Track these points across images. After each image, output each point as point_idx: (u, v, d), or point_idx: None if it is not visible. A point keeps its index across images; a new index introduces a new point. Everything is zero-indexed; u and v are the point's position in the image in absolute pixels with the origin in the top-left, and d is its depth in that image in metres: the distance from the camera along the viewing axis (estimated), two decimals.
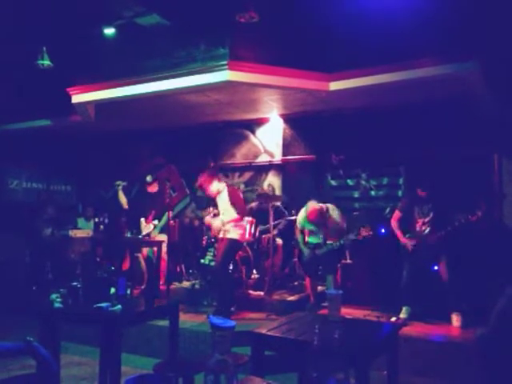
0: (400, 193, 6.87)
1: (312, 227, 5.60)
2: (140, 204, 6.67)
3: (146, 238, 6.28)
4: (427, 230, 5.17)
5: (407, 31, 5.09)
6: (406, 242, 5.25)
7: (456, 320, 4.98)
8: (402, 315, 5.18)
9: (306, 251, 5.63)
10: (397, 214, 5.46)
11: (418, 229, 5.25)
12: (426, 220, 5.20)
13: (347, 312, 5.38)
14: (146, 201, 6.61)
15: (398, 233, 5.35)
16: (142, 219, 6.41)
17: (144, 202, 6.64)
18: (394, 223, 5.42)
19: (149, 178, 6.62)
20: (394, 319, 5.12)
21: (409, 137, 6.46)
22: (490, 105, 5.75)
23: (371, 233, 5.22)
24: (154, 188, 6.66)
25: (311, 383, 1.70)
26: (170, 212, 6.27)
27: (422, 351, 4.35)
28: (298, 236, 5.79)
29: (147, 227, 6.32)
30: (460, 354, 4.22)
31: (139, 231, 6.32)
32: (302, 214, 5.68)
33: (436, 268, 5.23)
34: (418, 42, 5.08)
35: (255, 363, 2.65)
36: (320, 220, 5.49)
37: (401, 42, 5.15)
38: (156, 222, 6.37)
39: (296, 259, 6.56)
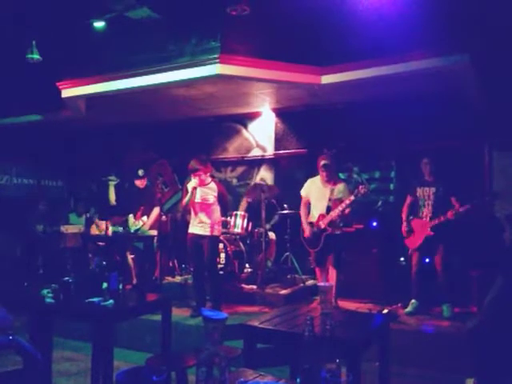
0: (392, 186, 6.90)
1: (319, 188, 5.39)
2: (129, 200, 6.61)
3: (139, 233, 6.27)
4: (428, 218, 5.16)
5: (399, 24, 5.08)
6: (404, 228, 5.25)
7: (446, 311, 5.02)
8: (408, 309, 5.18)
9: (308, 230, 5.41)
10: (408, 199, 5.42)
11: (423, 214, 5.22)
12: (428, 203, 5.17)
13: (340, 304, 5.41)
14: (135, 197, 6.55)
15: (403, 220, 5.33)
16: (131, 216, 6.36)
17: (133, 198, 6.58)
18: (404, 210, 5.38)
19: (140, 173, 6.55)
20: (385, 311, 5.15)
21: (400, 130, 6.48)
22: (480, 98, 5.78)
23: (368, 190, 5.10)
24: (142, 183, 6.59)
25: (303, 375, 1.71)
26: (159, 208, 6.20)
27: (413, 342, 4.39)
28: (302, 210, 5.57)
29: (135, 224, 6.27)
30: (451, 344, 4.26)
31: (127, 228, 6.28)
32: (309, 180, 5.58)
33: (427, 260, 5.26)
34: (410, 35, 5.07)
35: (247, 356, 2.66)
36: (331, 173, 5.37)
37: (392, 35, 5.15)
38: (145, 218, 6.30)
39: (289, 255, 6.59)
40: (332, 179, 5.40)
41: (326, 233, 5.27)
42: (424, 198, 5.25)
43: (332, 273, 5.30)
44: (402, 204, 5.52)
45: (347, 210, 5.19)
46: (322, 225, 5.28)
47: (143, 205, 6.38)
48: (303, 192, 5.59)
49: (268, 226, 6.39)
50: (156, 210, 6.27)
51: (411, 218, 5.34)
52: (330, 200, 5.29)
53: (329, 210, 5.28)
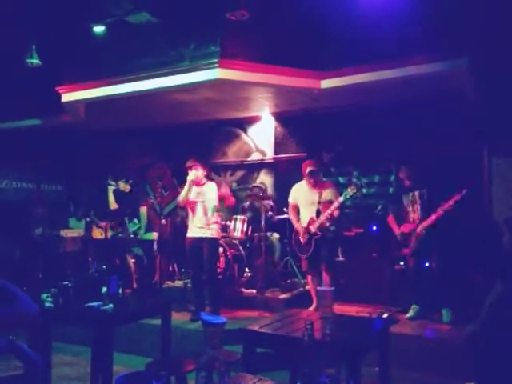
0: (391, 190, 6.91)
1: (306, 193, 5.39)
2: (120, 204, 6.59)
3: (138, 237, 6.28)
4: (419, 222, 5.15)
5: (398, 29, 5.11)
6: (398, 232, 5.26)
7: (446, 316, 5.01)
8: (409, 314, 5.16)
9: (300, 230, 5.38)
10: (390, 217, 5.44)
11: (411, 221, 5.21)
12: (416, 208, 5.17)
13: (340, 309, 5.40)
14: (123, 200, 6.54)
15: (394, 227, 5.36)
16: (126, 218, 6.37)
17: (121, 201, 6.57)
18: (391, 224, 5.42)
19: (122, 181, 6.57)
20: (385, 315, 5.14)
21: (400, 134, 6.49)
22: (479, 102, 5.79)
23: (359, 193, 5.09)
24: (126, 188, 6.56)
25: (303, 379, 1.71)
26: (146, 208, 6.23)
27: (413, 347, 4.38)
28: (291, 215, 5.59)
29: (129, 226, 6.28)
30: (451, 349, 4.25)
31: (126, 230, 6.28)
32: (295, 185, 5.58)
33: (427, 264, 5.26)
34: (408, 40, 5.10)
35: (247, 360, 2.65)
36: (317, 178, 5.41)
37: (391, 39, 5.18)
38: (136, 221, 6.30)
39: (288, 257, 6.59)
40: (318, 183, 5.41)
41: (316, 237, 5.25)
42: (410, 203, 5.25)
43: (326, 278, 5.26)
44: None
45: (336, 213, 5.18)
46: (313, 229, 5.26)
47: (130, 208, 6.37)
48: (291, 198, 5.58)
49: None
50: (143, 210, 6.29)
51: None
52: (319, 203, 5.28)
53: (319, 213, 5.26)
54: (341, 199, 5.10)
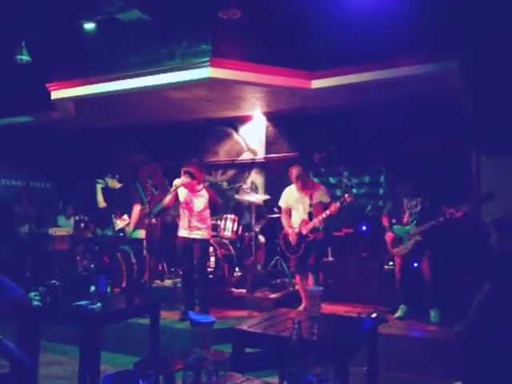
0: (381, 191, 6.94)
1: (297, 196, 5.39)
2: (108, 201, 6.54)
3: (127, 235, 6.24)
4: (414, 223, 5.19)
5: (388, 30, 5.13)
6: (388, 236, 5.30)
7: (434, 316, 5.04)
8: (398, 314, 5.20)
9: (291, 233, 5.39)
10: (384, 217, 5.47)
11: (404, 221, 5.26)
12: (414, 211, 5.22)
13: (329, 308, 5.42)
14: (112, 197, 6.50)
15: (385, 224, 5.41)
16: (113, 216, 6.34)
17: (110, 198, 6.53)
18: (385, 222, 5.46)
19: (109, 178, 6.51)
20: (374, 315, 5.16)
21: (390, 135, 6.53)
22: (469, 103, 5.84)
23: (352, 198, 5.10)
24: (115, 185, 6.52)
25: (289, 378, 1.71)
26: (139, 205, 6.21)
27: (401, 347, 4.41)
28: (283, 219, 5.58)
29: (117, 224, 6.23)
30: (438, 349, 4.28)
31: (113, 228, 6.24)
32: (286, 190, 5.57)
33: (416, 265, 5.29)
34: (399, 41, 5.13)
35: (236, 360, 2.65)
36: (305, 181, 5.39)
37: (382, 41, 5.20)
38: (125, 217, 6.24)
39: (278, 257, 6.59)
40: (307, 185, 5.40)
41: (307, 239, 5.27)
42: (409, 207, 5.29)
43: (309, 282, 5.26)
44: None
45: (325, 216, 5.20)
46: (304, 231, 5.28)
47: (120, 205, 6.33)
48: (282, 203, 5.58)
49: (257, 229, 6.37)
50: (136, 208, 6.25)
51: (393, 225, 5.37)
52: (310, 206, 5.29)
53: (311, 215, 5.28)
54: (338, 205, 5.08)
